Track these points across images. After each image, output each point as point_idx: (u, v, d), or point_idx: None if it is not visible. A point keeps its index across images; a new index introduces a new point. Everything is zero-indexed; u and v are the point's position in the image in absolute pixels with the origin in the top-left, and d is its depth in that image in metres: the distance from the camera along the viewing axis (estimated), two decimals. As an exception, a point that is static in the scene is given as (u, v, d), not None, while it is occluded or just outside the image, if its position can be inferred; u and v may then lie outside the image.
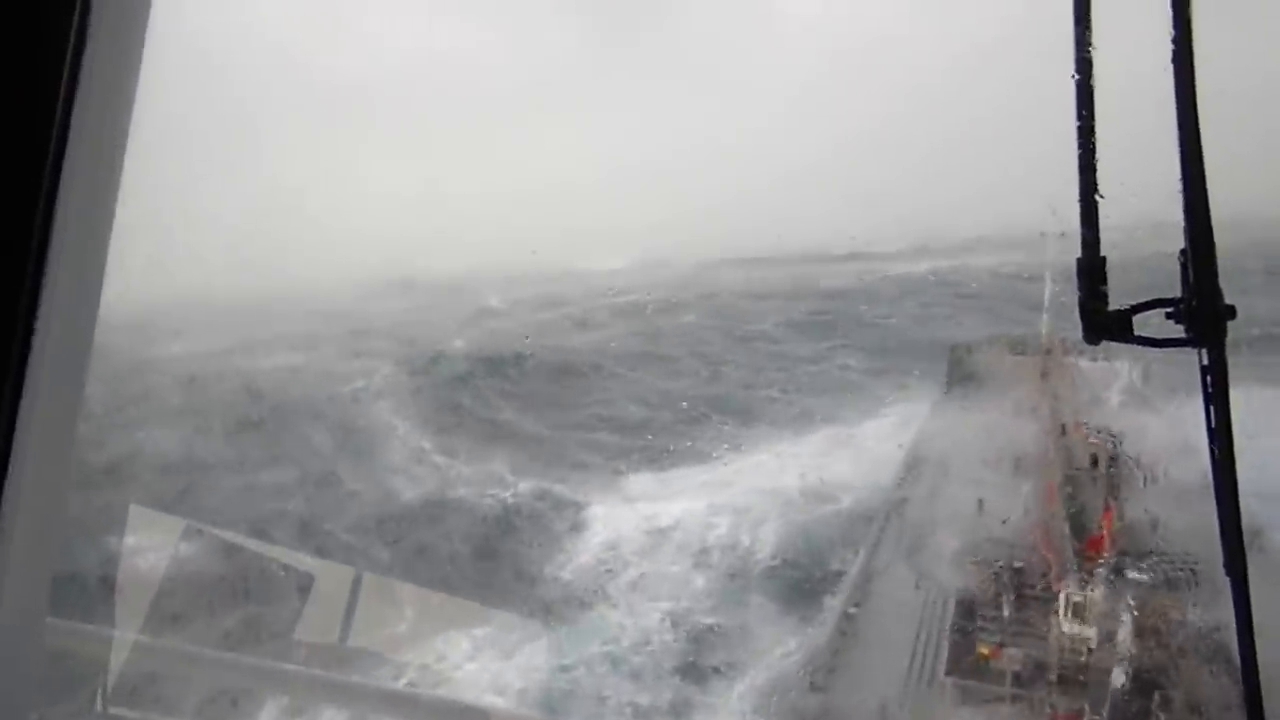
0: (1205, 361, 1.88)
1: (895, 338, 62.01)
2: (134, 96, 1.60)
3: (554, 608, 27.43)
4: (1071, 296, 2.14)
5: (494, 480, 39.23)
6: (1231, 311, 1.82)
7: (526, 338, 58.19)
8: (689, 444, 41.38)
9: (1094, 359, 29.96)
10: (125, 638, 3.96)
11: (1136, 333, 1.91)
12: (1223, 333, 1.83)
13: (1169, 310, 1.88)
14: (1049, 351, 31.42)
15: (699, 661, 22.80)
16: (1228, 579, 2.12)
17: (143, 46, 1.59)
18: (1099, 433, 23.14)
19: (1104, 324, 1.88)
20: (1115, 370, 31.40)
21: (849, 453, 37.91)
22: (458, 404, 49.33)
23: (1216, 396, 1.88)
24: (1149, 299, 1.92)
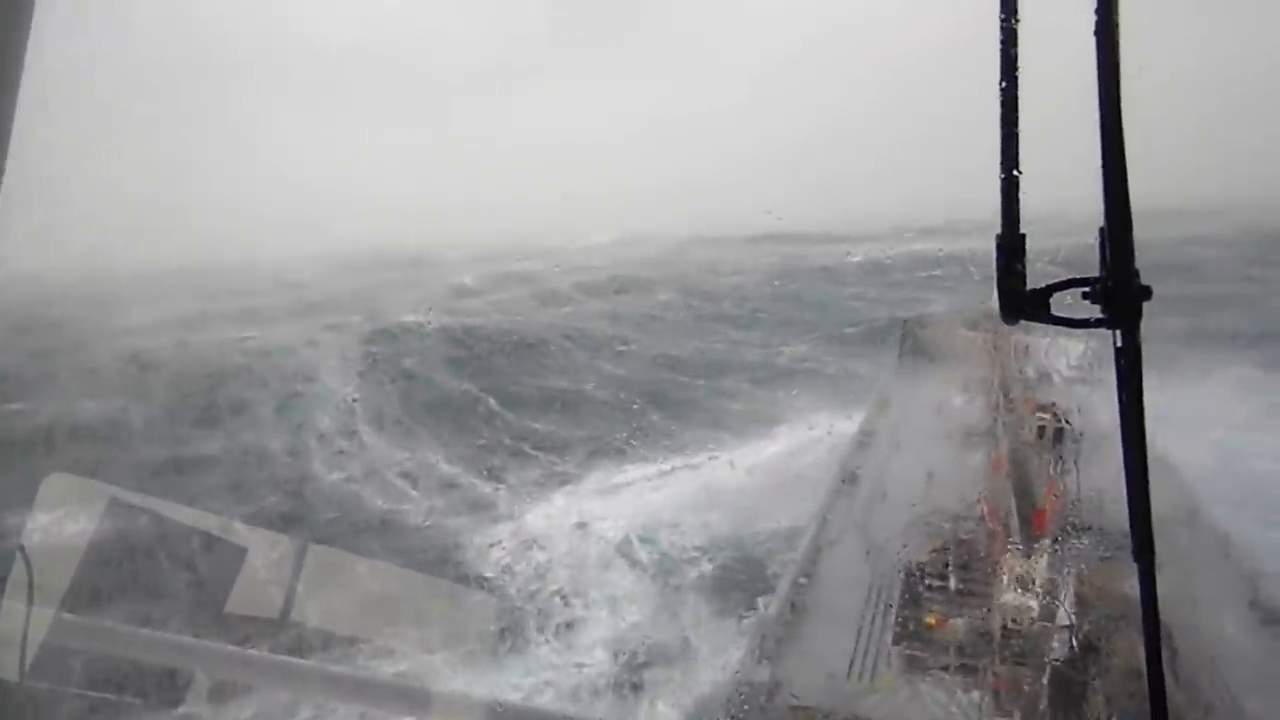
0: (1119, 343, 1.86)
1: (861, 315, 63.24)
2: (23, 54, 1.47)
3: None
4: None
5: (417, 465, 38.78)
6: (1147, 292, 1.80)
7: (429, 309, 57.20)
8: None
9: (1045, 335, 30.48)
10: (44, 613, 3.84)
11: (1054, 312, 1.88)
12: (1138, 314, 1.81)
13: (1085, 290, 1.86)
14: (999, 328, 31.89)
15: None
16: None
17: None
18: (1046, 407, 23.57)
19: (1021, 303, 1.85)
20: (1063, 346, 31.99)
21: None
22: (402, 379, 48.88)
23: (1129, 378, 1.86)
24: (1067, 278, 1.89)
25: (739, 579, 25.91)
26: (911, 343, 40.69)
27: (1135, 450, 1.91)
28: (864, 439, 29.06)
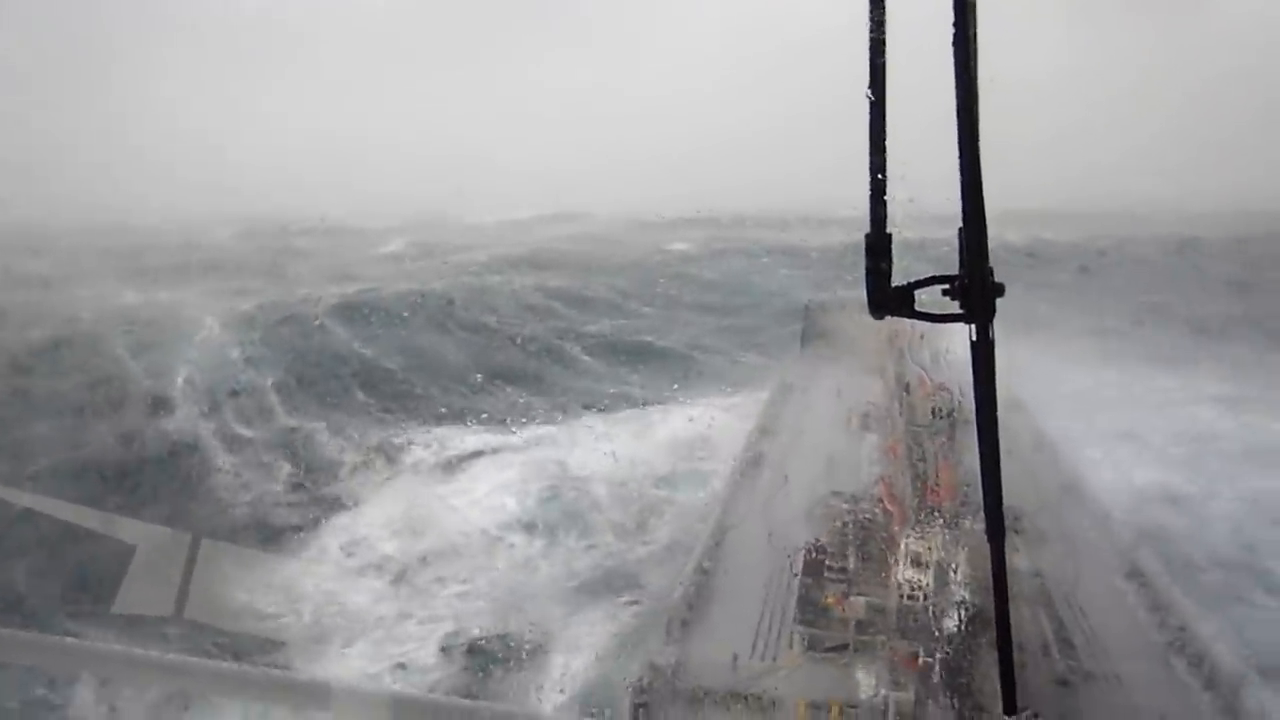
0: (974, 337, 1.91)
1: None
2: None
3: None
4: (913, 266, 2.14)
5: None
6: (1000, 289, 1.86)
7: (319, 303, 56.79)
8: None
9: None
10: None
11: (918, 308, 1.93)
12: (991, 309, 1.86)
13: (945, 287, 1.90)
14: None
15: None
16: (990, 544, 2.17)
17: None
18: (940, 389, 24.31)
19: (886, 299, 1.90)
20: (955, 329, 33.03)
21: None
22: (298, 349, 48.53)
23: (983, 369, 1.91)
24: (928, 275, 1.93)
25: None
26: (814, 328, 41.50)
27: (988, 435, 1.96)
28: (766, 424, 29.51)
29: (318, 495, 31.68)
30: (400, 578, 25.24)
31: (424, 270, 73.54)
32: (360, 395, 43.07)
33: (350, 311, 54.94)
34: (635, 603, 22.78)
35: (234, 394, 41.60)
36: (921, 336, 31.40)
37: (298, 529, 28.77)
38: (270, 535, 28.78)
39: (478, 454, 34.86)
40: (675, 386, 41.58)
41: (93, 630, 18.33)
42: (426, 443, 36.60)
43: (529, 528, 27.95)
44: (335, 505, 30.35)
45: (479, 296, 62.74)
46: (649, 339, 56.34)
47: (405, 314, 54.96)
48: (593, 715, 16.03)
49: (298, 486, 32.67)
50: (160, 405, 39.50)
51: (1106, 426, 34.05)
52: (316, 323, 52.18)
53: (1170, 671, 15.78)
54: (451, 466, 33.99)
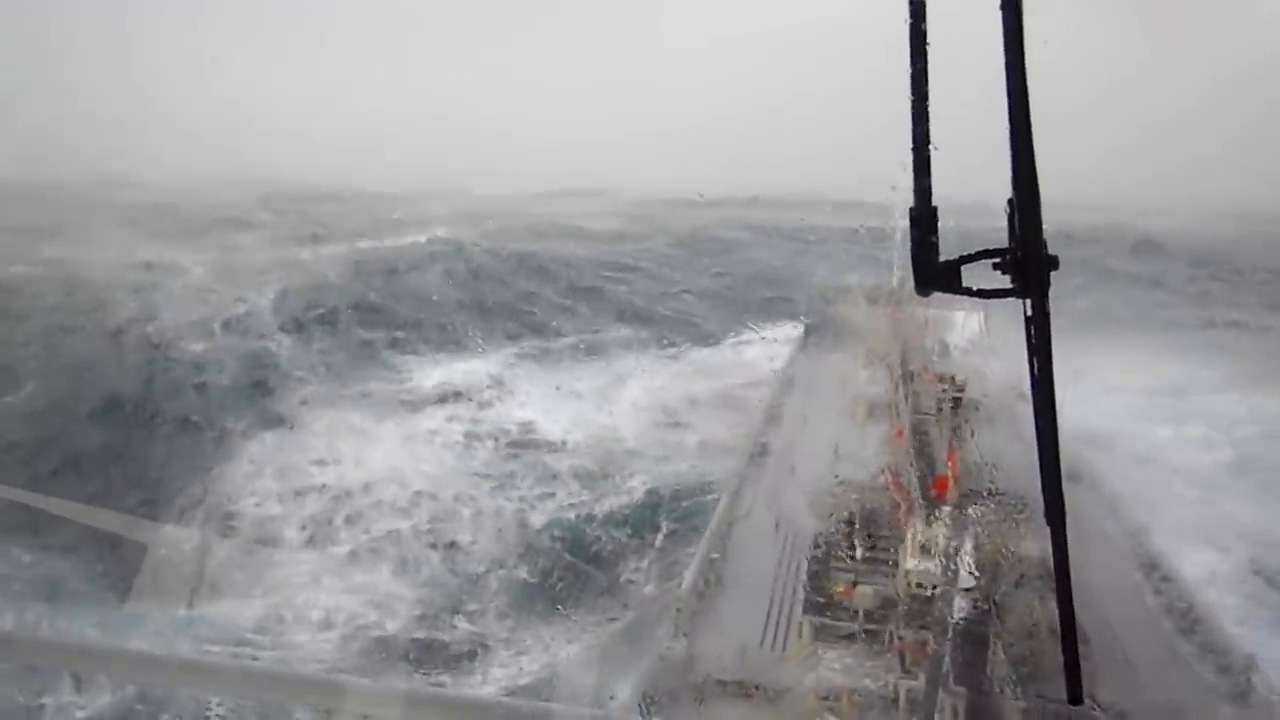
0: (1029, 312, 1.86)
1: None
2: None
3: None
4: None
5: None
6: (1054, 262, 1.81)
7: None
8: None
9: (945, 309, 31.40)
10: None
11: (965, 283, 1.88)
12: (1046, 283, 1.82)
13: (996, 261, 1.85)
14: (900, 301, 32.68)
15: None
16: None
17: None
18: (945, 378, 24.32)
19: (934, 274, 1.84)
20: (961, 319, 33.04)
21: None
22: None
23: (1039, 346, 1.86)
24: (978, 250, 1.88)
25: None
26: (818, 318, 41.44)
27: (1046, 415, 1.92)
28: (772, 413, 29.51)
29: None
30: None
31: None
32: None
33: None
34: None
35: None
36: (925, 324, 31.40)
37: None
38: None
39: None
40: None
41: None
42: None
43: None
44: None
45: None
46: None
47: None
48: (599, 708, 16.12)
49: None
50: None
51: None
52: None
53: None
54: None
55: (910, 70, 1.75)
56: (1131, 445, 31.01)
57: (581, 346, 47.96)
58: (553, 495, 29.54)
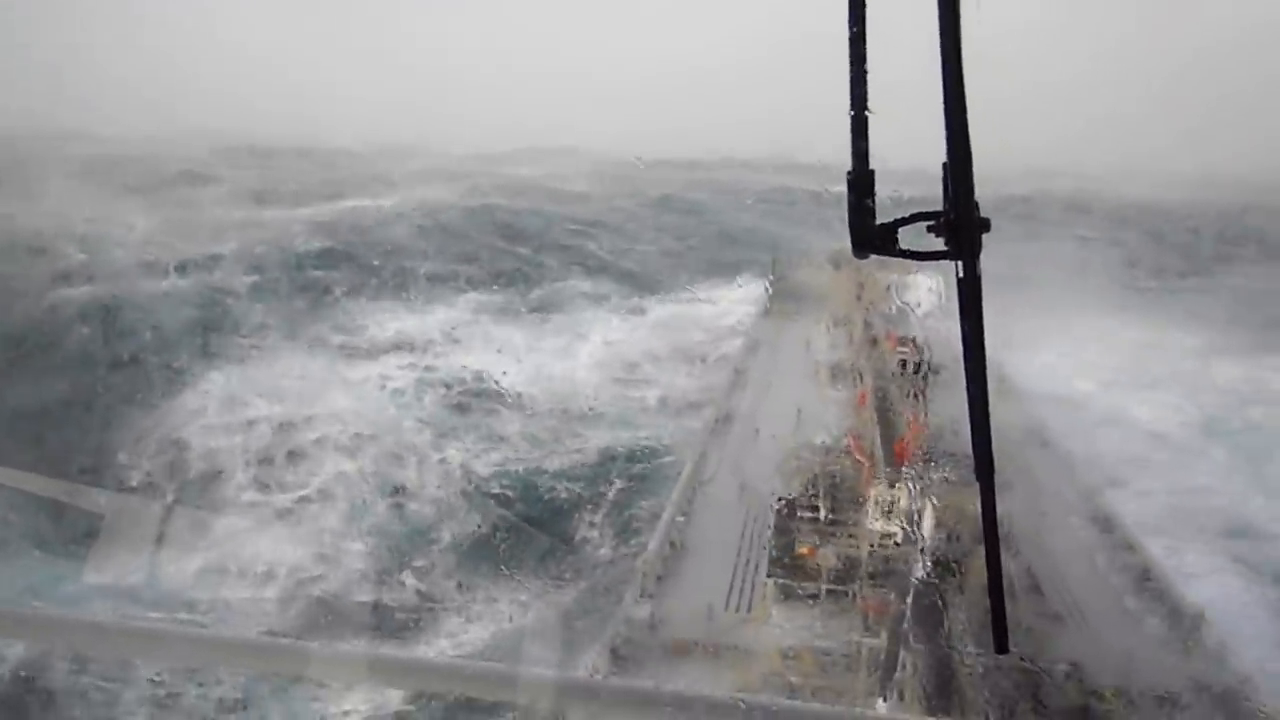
0: (961, 274, 1.90)
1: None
2: None
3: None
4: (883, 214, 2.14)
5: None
6: (986, 225, 1.85)
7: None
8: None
9: (908, 273, 31.64)
10: None
11: (901, 246, 1.92)
12: (977, 246, 1.86)
13: (929, 224, 1.89)
14: (863, 267, 32.87)
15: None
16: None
17: None
18: (905, 341, 24.58)
19: (870, 237, 1.87)
20: (920, 282, 33.35)
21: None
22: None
23: (970, 307, 1.91)
24: (913, 212, 1.93)
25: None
26: (782, 283, 41.60)
27: (976, 376, 1.97)
28: (736, 378, 29.69)
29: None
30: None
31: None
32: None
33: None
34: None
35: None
36: (887, 288, 31.66)
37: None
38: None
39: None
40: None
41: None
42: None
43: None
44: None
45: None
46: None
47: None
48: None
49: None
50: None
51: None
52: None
53: None
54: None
55: (849, 34, 1.77)
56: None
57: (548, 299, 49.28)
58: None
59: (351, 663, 3.47)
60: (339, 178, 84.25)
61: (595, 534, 24.38)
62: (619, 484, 26.73)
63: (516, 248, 59.72)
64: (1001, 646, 2.42)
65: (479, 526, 24.62)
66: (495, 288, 50.25)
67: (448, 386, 34.01)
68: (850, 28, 1.79)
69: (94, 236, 50.41)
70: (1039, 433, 24.95)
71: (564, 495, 26.38)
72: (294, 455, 27.54)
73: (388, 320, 42.74)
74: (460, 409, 32.39)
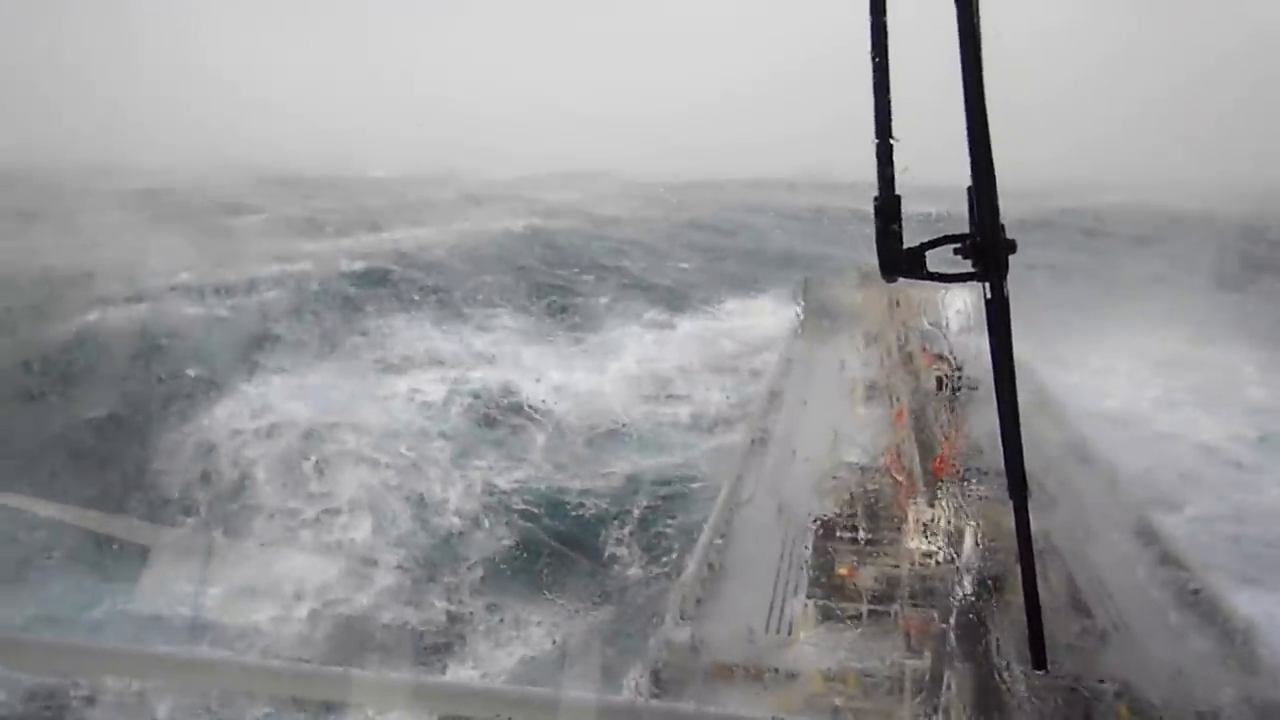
0: (988, 295, 1.92)
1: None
2: None
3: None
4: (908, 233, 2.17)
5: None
6: (1012, 246, 1.87)
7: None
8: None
9: (939, 290, 31.39)
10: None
11: (929, 269, 1.94)
12: (1004, 267, 1.88)
13: (957, 246, 1.92)
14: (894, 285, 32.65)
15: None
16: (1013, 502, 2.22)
17: None
18: (941, 358, 24.40)
19: (898, 260, 1.90)
20: (954, 299, 33.06)
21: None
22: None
23: (998, 326, 1.93)
24: (939, 236, 1.95)
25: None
26: (814, 302, 41.47)
27: (1006, 393, 1.99)
28: (772, 398, 29.58)
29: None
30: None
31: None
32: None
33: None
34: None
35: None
36: (920, 305, 31.45)
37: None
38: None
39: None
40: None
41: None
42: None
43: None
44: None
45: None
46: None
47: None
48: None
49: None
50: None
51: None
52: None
53: None
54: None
55: (872, 63, 1.81)
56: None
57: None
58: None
59: (389, 688, 3.48)
60: (376, 205, 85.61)
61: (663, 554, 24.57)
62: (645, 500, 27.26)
63: (556, 270, 60.97)
64: (1039, 663, 2.42)
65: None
66: (533, 310, 51.62)
67: (490, 406, 35.10)
68: (873, 57, 1.83)
69: (133, 264, 51.67)
70: (1080, 447, 24.55)
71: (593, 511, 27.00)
72: (320, 464, 28.38)
73: (422, 342, 43.80)
74: (505, 427, 33.53)
